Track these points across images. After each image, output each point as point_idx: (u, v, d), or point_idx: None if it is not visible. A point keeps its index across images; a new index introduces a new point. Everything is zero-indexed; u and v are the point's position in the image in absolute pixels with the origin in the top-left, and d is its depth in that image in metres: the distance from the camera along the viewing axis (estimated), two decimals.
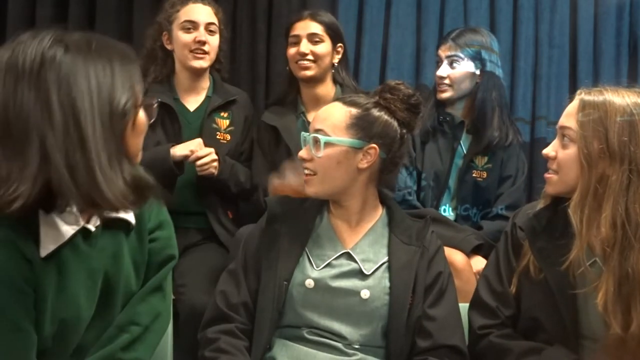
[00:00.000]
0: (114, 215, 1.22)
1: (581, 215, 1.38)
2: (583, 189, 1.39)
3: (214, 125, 2.30)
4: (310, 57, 2.26)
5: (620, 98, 1.41)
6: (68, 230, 1.16)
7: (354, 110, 1.58)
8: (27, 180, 1.06)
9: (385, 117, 1.59)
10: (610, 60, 2.79)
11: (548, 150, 1.50)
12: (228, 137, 2.32)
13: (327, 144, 1.56)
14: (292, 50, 2.30)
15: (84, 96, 1.07)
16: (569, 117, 1.45)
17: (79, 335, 1.21)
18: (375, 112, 1.59)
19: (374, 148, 1.56)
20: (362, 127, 1.57)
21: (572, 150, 1.43)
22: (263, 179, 2.22)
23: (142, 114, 1.19)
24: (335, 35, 2.31)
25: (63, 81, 1.06)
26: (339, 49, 2.34)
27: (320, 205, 1.64)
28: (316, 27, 2.28)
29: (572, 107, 1.46)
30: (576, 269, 1.40)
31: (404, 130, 1.61)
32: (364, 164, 1.56)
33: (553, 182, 1.49)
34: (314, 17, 2.29)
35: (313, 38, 2.27)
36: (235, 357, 1.48)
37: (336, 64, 2.33)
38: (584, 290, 1.39)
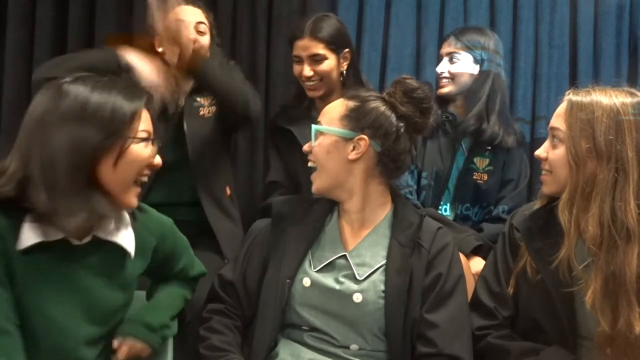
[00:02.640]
0: (108, 238, 1.29)
1: (569, 215, 1.39)
2: (571, 188, 1.40)
3: (195, 104, 2.20)
4: (314, 77, 2.22)
5: (608, 98, 1.42)
6: (49, 235, 1.22)
7: (351, 103, 1.60)
8: (8, 178, 1.19)
9: (382, 109, 1.58)
10: (610, 60, 2.79)
11: (539, 152, 1.52)
12: (213, 109, 2.20)
13: (319, 134, 1.60)
14: (296, 69, 2.25)
15: (62, 121, 1.19)
16: (558, 118, 1.47)
17: (48, 342, 1.25)
18: (372, 104, 1.58)
19: (364, 139, 1.55)
20: (354, 118, 1.57)
21: (561, 150, 1.44)
22: (281, 178, 2.27)
23: (133, 150, 1.25)
24: (338, 45, 2.24)
25: (54, 106, 1.20)
26: (346, 55, 2.27)
27: (330, 207, 1.65)
28: (316, 47, 2.20)
29: (561, 108, 1.48)
30: (569, 268, 1.40)
31: (402, 124, 1.58)
32: (353, 155, 1.56)
33: (547, 183, 1.50)
34: (313, 35, 2.20)
35: (315, 58, 2.21)
36: (225, 336, 1.55)
37: (344, 72, 2.27)
38: (576, 288, 1.40)
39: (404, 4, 2.78)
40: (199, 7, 2.23)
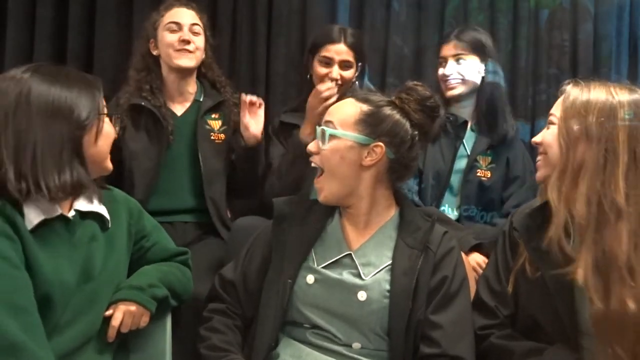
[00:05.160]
0: (90, 209, 1.46)
1: (558, 193, 1.40)
2: (561, 168, 1.42)
3: (207, 127, 2.32)
4: (339, 81, 2.30)
5: (605, 87, 1.44)
6: (48, 213, 1.37)
7: (365, 107, 1.58)
8: None
9: (397, 116, 1.57)
10: (610, 61, 2.79)
11: (536, 138, 1.54)
12: (222, 136, 2.33)
13: (333, 137, 1.56)
14: (322, 71, 2.32)
15: (39, 109, 1.33)
16: (556, 105, 1.50)
17: (62, 305, 1.36)
18: (387, 111, 1.57)
19: (380, 146, 1.54)
20: (371, 124, 1.55)
21: (553, 129, 1.47)
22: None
23: (106, 127, 1.44)
24: (360, 58, 2.36)
25: (23, 96, 1.33)
26: (359, 68, 2.37)
27: (331, 208, 1.64)
28: (349, 54, 2.31)
29: (561, 98, 1.49)
30: (561, 250, 1.40)
31: (416, 132, 1.59)
32: (367, 162, 1.55)
33: (541, 167, 1.53)
34: (348, 43, 2.31)
35: (345, 64, 2.32)
36: (226, 336, 1.55)
37: (355, 81, 2.36)
38: (567, 270, 1.39)
39: (404, 4, 2.79)
40: (192, 8, 2.32)
